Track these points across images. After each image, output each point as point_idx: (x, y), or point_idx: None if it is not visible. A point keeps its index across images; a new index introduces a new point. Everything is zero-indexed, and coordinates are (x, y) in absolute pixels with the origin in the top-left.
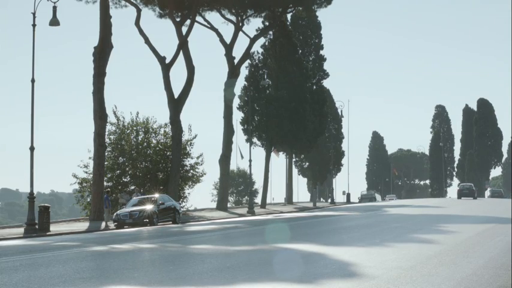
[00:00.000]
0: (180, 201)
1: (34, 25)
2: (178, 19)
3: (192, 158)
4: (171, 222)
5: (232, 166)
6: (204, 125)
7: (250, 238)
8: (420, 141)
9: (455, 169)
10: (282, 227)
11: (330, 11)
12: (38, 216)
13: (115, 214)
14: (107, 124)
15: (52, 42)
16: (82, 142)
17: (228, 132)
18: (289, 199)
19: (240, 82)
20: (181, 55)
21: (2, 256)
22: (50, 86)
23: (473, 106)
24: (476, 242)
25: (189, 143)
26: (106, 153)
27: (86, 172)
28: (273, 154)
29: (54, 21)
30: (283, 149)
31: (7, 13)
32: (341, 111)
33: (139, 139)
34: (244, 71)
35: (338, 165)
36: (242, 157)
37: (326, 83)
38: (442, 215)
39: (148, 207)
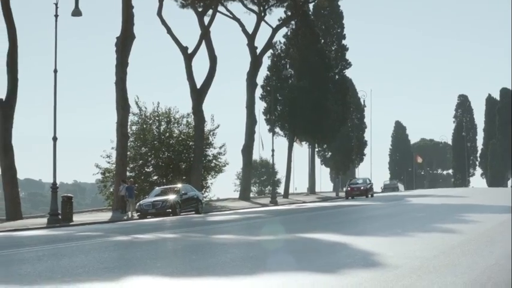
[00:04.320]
0: (203, 191)
1: (56, 15)
2: (200, 9)
3: (214, 148)
4: (193, 212)
5: (255, 156)
6: (227, 115)
7: (273, 228)
8: (443, 130)
9: (478, 159)
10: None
11: (352, 0)
12: (61, 207)
13: (138, 204)
14: (129, 114)
15: (74, 33)
16: (105, 132)
17: (251, 122)
18: (311, 189)
19: (263, 72)
20: (203, 45)
21: (26, 246)
22: (73, 76)
23: (496, 95)
24: (499, 231)
25: (211, 133)
26: (128, 144)
27: (109, 162)
28: (295, 144)
29: (77, 12)
30: (305, 138)
31: (30, 4)
32: (363, 100)
33: (162, 129)
34: (266, 61)
35: (361, 155)
36: (263, 148)
37: (348, 72)
38: (464, 204)
39: (171, 197)
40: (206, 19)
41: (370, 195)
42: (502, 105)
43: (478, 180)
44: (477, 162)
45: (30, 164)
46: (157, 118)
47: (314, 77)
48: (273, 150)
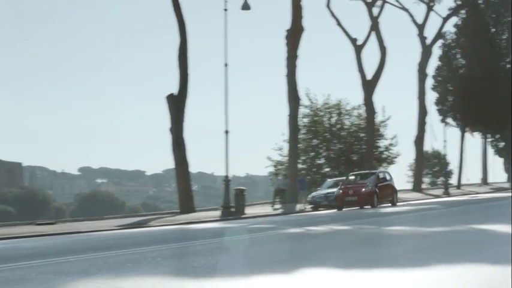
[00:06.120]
0: None
1: (226, 9)
2: (369, 0)
3: (386, 139)
4: None
5: (427, 147)
6: (398, 105)
7: (446, 219)
8: None
9: None
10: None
11: None
12: (233, 199)
13: (310, 196)
14: (300, 107)
15: (243, 26)
16: (276, 125)
17: (422, 112)
18: (484, 180)
19: (433, 62)
20: (372, 36)
21: (199, 239)
22: (243, 69)
23: None
24: None
25: (382, 124)
26: (300, 136)
27: (281, 155)
28: (467, 134)
29: (246, 6)
30: (477, 128)
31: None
32: None
33: (333, 121)
34: (437, 51)
35: None
36: (436, 138)
37: None
38: None
39: None
40: (375, 10)
41: (391, 204)
42: None
43: None
44: None
45: (203, 157)
46: (328, 110)
47: (485, 67)
48: (444, 141)
